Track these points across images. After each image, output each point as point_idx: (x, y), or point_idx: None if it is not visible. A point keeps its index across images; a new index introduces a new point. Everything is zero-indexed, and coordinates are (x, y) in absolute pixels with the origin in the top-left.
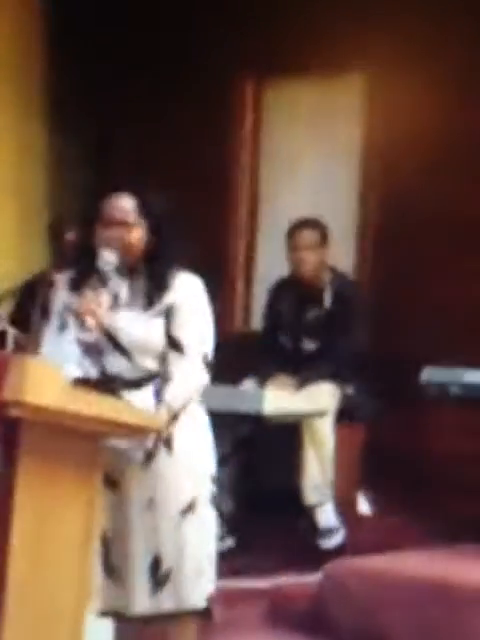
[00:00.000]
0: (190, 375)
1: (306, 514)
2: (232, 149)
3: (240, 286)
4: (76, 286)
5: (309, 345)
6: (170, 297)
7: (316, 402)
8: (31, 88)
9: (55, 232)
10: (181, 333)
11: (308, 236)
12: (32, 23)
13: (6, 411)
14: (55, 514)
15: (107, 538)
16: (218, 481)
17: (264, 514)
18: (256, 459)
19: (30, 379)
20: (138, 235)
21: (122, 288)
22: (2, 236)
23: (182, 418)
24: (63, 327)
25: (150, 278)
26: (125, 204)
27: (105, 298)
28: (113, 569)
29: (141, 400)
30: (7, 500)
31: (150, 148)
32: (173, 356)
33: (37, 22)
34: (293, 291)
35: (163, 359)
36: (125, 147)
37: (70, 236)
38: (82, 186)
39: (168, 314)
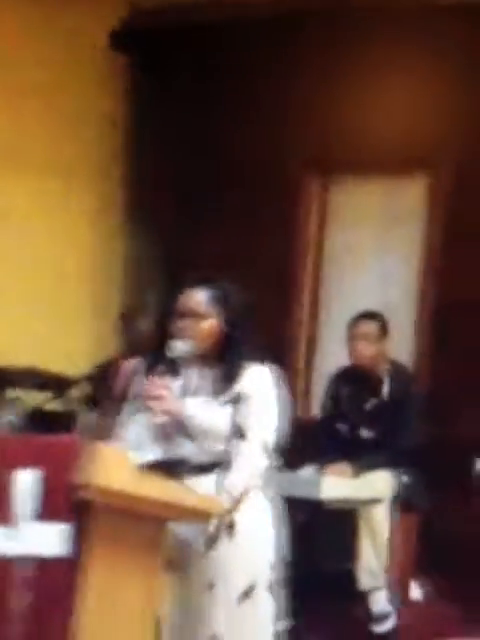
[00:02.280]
0: (249, 461)
1: (360, 599)
2: (297, 245)
3: (301, 374)
4: (149, 373)
5: (367, 433)
6: (239, 386)
7: (373, 489)
8: (111, 183)
9: (126, 322)
10: (245, 420)
11: (368, 327)
12: (113, 130)
13: (77, 494)
14: (118, 595)
15: (167, 620)
16: (279, 566)
17: (320, 597)
18: (313, 544)
19: (100, 463)
20: (209, 326)
21: (193, 376)
22: (78, 319)
23: (245, 504)
24: (137, 411)
25: (221, 368)
26: (199, 296)
27: (174, 384)
28: None
29: (206, 485)
30: (76, 582)
31: (217, 242)
32: (236, 443)
33: (118, 131)
34: (352, 380)
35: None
36: (195, 242)
37: (142, 326)
38: (153, 279)
39: (236, 402)
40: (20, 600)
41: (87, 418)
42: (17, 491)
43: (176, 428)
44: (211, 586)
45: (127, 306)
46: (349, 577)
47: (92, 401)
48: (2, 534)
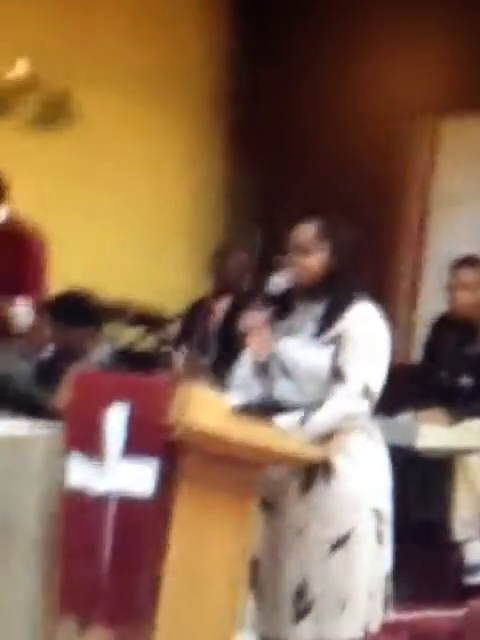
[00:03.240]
0: (341, 403)
1: (454, 549)
2: (404, 185)
3: (403, 319)
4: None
5: (466, 381)
6: (342, 325)
7: (471, 438)
8: (212, 114)
9: (220, 258)
10: (345, 361)
11: (467, 275)
12: (213, 62)
13: (169, 434)
14: (209, 539)
15: (258, 561)
16: (382, 515)
17: (412, 548)
18: (407, 493)
19: (193, 403)
20: (318, 261)
21: (297, 314)
22: (174, 254)
23: (346, 450)
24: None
25: (326, 305)
26: (308, 230)
27: (279, 323)
28: (261, 592)
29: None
30: (164, 523)
31: (321, 181)
32: (334, 384)
33: (221, 63)
34: (452, 327)
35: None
36: (294, 180)
37: (236, 262)
38: (252, 215)
39: (337, 343)
40: (107, 537)
41: (180, 357)
42: (108, 428)
43: (277, 367)
44: (302, 531)
45: (222, 243)
46: (443, 527)
47: (185, 340)
48: (92, 470)
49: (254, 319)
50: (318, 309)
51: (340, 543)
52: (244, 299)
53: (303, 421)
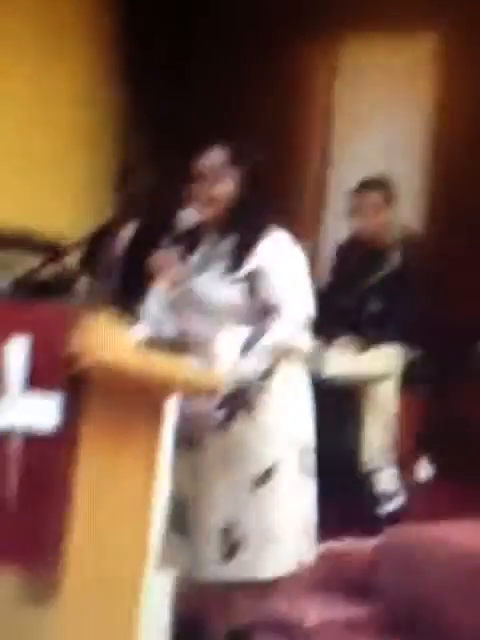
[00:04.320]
0: (284, 335)
1: (365, 479)
2: (304, 107)
3: (307, 246)
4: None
5: (373, 306)
6: (259, 258)
7: (379, 365)
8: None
9: (122, 180)
10: (275, 295)
11: (368, 199)
12: None
13: (72, 367)
14: (116, 473)
15: (181, 500)
16: (306, 447)
17: (322, 478)
18: (316, 421)
19: (96, 335)
20: (227, 189)
21: (206, 248)
22: (72, 185)
23: (269, 380)
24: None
25: (237, 237)
26: (216, 156)
27: (181, 257)
28: (186, 530)
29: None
30: (70, 457)
31: (221, 102)
32: (268, 319)
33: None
34: (358, 251)
35: (252, 321)
36: (190, 108)
37: (137, 188)
38: (149, 141)
39: (258, 276)
40: (11, 473)
41: (82, 286)
42: (8, 361)
43: (189, 304)
44: (226, 466)
45: (124, 167)
46: (353, 457)
47: (87, 268)
48: None
49: (163, 258)
50: (228, 241)
51: (265, 477)
52: (147, 226)
53: (245, 349)
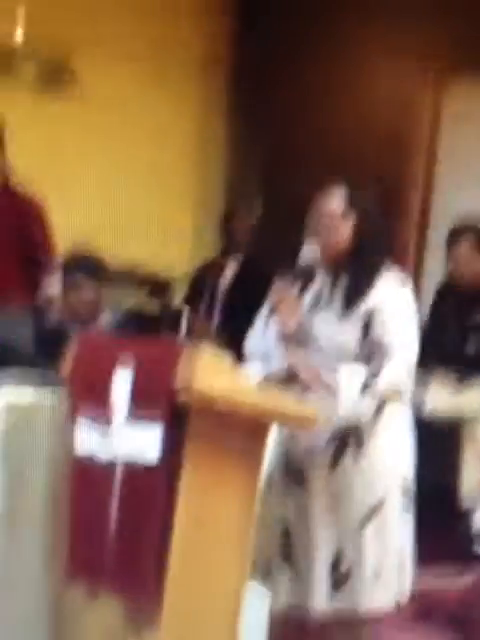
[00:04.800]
0: (391, 377)
1: (462, 517)
2: (409, 145)
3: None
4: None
5: (471, 347)
6: (372, 298)
7: (477, 404)
8: (214, 75)
9: (228, 221)
10: (386, 337)
11: (461, 246)
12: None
13: (175, 398)
14: (217, 503)
15: (289, 532)
16: (410, 482)
17: (419, 515)
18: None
19: (200, 367)
20: (346, 230)
21: (324, 287)
22: (180, 217)
23: (378, 419)
24: (271, 317)
25: (353, 276)
26: (338, 196)
27: (305, 295)
28: (294, 565)
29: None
30: (171, 488)
31: (325, 141)
32: (377, 359)
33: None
34: (456, 293)
35: (364, 361)
36: (297, 142)
37: (243, 226)
38: (257, 179)
39: (371, 316)
40: (114, 503)
41: (187, 320)
42: (113, 393)
43: (301, 340)
44: (336, 501)
45: (230, 206)
46: (451, 494)
47: (192, 303)
48: (98, 435)
49: (283, 292)
50: (345, 280)
51: (373, 513)
52: (252, 262)
53: (361, 388)
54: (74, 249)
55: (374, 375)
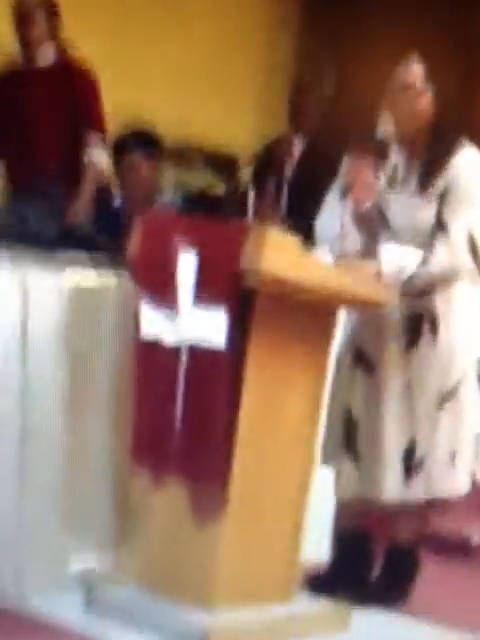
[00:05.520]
0: (445, 256)
1: None
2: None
3: None
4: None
5: None
6: (447, 176)
7: None
8: None
9: (299, 96)
10: (448, 214)
11: None
12: None
13: (241, 281)
14: (284, 386)
15: (355, 422)
16: None
17: None
18: None
19: (266, 249)
20: (426, 102)
21: (399, 164)
22: (246, 93)
23: (450, 300)
24: (343, 196)
25: (430, 153)
26: (417, 68)
27: (381, 171)
28: (359, 454)
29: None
30: (237, 371)
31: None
32: (437, 237)
33: None
34: None
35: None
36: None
37: (309, 102)
38: (327, 53)
39: (442, 196)
40: (180, 386)
41: (254, 202)
42: (179, 276)
43: (377, 220)
44: (409, 388)
45: (300, 79)
46: None
47: (260, 182)
48: (164, 318)
49: (358, 169)
50: (420, 159)
51: (449, 395)
52: (322, 141)
53: (408, 274)
54: (129, 126)
55: (426, 257)
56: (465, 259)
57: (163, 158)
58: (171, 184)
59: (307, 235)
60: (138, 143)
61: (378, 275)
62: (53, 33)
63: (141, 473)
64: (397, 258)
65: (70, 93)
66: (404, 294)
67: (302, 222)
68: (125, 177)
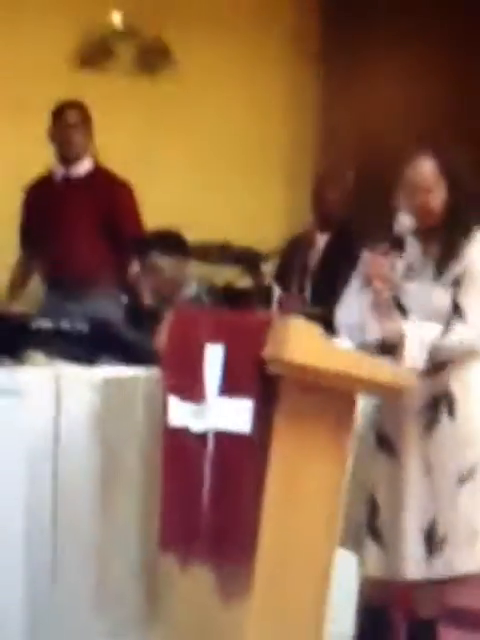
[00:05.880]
0: (460, 338)
1: None
2: None
3: None
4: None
5: None
6: (463, 262)
7: None
8: (305, 52)
9: (320, 192)
10: (464, 298)
11: None
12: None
13: (265, 370)
14: (306, 473)
15: (376, 503)
16: None
17: None
18: None
19: (291, 338)
20: (438, 198)
21: (416, 254)
22: (270, 190)
23: (467, 383)
24: (363, 288)
25: (445, 240)
26: (427, 167)
27: (398, 263)
28: (381, 535)
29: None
30: (262, 458)
31: (415, 107)
32: (453, 320)
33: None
34: None
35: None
36: (390, 109)
37: (334, 197)
38: (348, 149)
39: (457, 282)
40: (207, 472)
41: (278, 293)
42: (206, 368)
43: (394, 308)
44: (430, 469)
45: (322, 176)
46: None
47: (284, 276)
48: (191, 409)
49: (376, 262)
50: (437, 245)
51: (468, 475)
52: (345, 233)
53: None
54: (151, 230)
55: (444, 334)
56: (477, 342)
57: (187, 256)
58: (195, 279)
59: (331, 327)
60: (156, 245)
61: (401, 339)
62: (89, 145)
63: (169, 558)
64: (419, 328)
65: (106, 202)
66: (423, 370)
67: (327, 314)
68: (146, 277)
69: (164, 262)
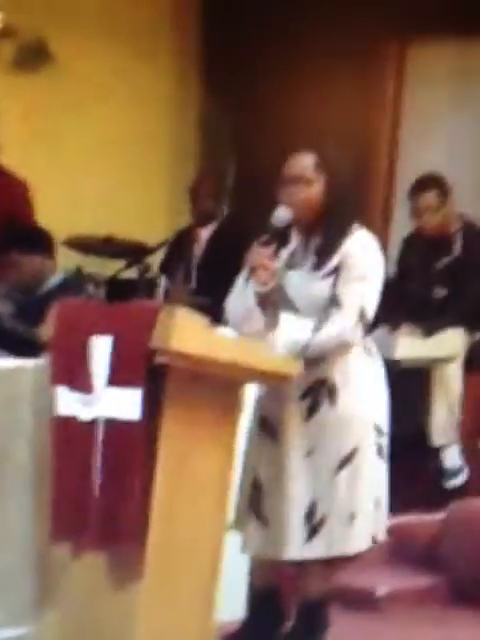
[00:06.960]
0: (337, 327)
1: (432, 455)
2: (374, 107)
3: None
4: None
5: (438, 293)
6: (341, 255)
7: (445, 348)
8: (187, 56)
9: (196, 191)
10: (342, 289)
11: (427, 199)
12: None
13: (153, 358)
14: (196, 457)
15: (260, 486)
16: (383, 428)
17: (392, 455)
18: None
19: (177, 328)
20: (316, 192)
21: (297, 247)
22: (153, 188)
23: (347, 370)
24: (247, 279)
25: (324, 236)
26: (306, 161)
27: (280, 253)
28: (264, 517)
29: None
30: (151, 445)
31: (292, 105)
32: (330, 310)
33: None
34: (421, 243)
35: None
36: (268, 111)
37: (206, 192)
38: (227, 149)
39: (337, 273)
40: (96, 461)
41: (164, 285)
42: (93, 359)
43: (279, 299)
44: (310, 453)
45: (196, 176)
46: (422, 434)
47: (169, 268)
48: (79, 399)
49: (260, 253)
50: (316, 240)
51: (346, 461)
52: (225, 228)
53: (303, 345)
54: (8, 225)
55: (316, 328)
56: (355, 333)
57: (46, 249)
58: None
59: (217, 316)
60: (14, 241)
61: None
62: None
63: (60, 545)
64: (293, 328)
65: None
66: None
67: (212, 304)
68: (8, 273)
69: (23, 258)
